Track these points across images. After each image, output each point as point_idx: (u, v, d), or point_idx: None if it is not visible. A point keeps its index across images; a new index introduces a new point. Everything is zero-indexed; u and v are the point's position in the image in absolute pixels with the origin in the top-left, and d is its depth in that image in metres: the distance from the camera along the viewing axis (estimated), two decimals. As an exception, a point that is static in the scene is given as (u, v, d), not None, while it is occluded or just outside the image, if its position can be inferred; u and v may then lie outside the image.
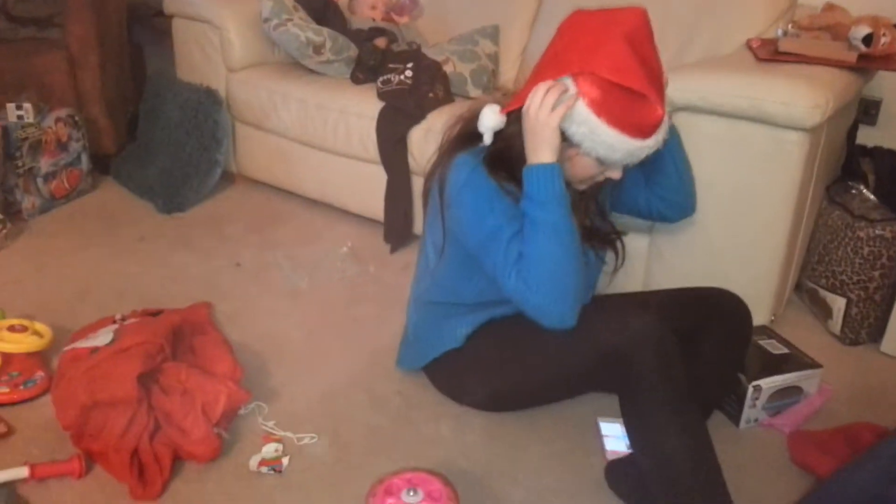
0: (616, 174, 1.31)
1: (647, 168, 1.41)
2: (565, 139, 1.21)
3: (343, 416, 1.49)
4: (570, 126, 1.19)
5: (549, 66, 1.22)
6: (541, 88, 1.19)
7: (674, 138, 1.38)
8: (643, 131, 1.20)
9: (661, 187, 1.44)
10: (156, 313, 1.66)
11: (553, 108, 1.18)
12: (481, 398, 1.48)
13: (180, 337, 1.54)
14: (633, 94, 1.17)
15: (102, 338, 1.49)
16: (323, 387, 1.57)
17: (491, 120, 1.26)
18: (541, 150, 1.21)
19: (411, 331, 1.56)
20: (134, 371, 1.35)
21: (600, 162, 1.25)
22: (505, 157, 1.28)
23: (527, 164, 1.23)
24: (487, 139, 1.28)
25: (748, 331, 1.45)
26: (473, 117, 1.32)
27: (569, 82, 1.18)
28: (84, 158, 2.45)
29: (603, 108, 1.17)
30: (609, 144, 1.20)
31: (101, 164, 2.58)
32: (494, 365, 1.40)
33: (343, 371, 1.63)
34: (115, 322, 1.62)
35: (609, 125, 1.17)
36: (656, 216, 1.50)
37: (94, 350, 1.44)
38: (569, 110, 1.17)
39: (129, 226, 2.28)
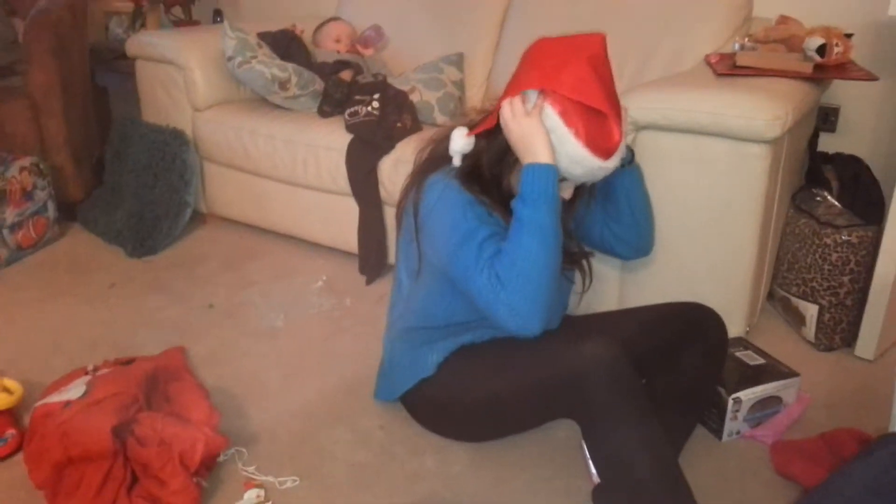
0: (567, 193, 1.32)
1: (605, 201, 1.43)
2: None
3: (325, 456, 1.46)
4: None
5: (514, 87, 1.26)
6: (507, 102, 1.23)
7: (632, 175, 1.41)
8: (604, 151, 1.22)
9: (615, 222, 1.46)
10: (128, 362, 1.63)
11: (527, 112, 1.21)
12: (456, 428, 1.48)
13: (155, 385, 1.52)
14: (595, 113, 1.20)
15: (75, 391, 1.45)
16: (303, 426, 1.55)
17: (460, 143, 1.29)
18: (537, 150, 1.22)
19: (386, 361, 1.55)
20: (108, 424, 1.32)
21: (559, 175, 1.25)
22: (475, 174, 1.30)
23: (525, 164, 1.24)
24: (457, 161, 1.31)
25: (724, 343, 1.46)
26: (443, 139, 1.35)
27: (532, 94, 1.22)
28: (50, 206, 2.42)
29: (570, 121, 1.19)
30: (573, 158, 1.22)
31: (69, 211, 2.55)
32: (464, 394, 1.39)
33: (323, 408, 1.61)
34: (87, 373, 1.58)
35: (576, 138, 1.19)
36: (609, 251, 1.51)
37: (67, 404, 1.40)
38: (541, 110, 1.20)
39: (99, 272, 2.25)
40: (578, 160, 1.22)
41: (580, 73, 1.18)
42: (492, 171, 1.30)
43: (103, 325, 1.95)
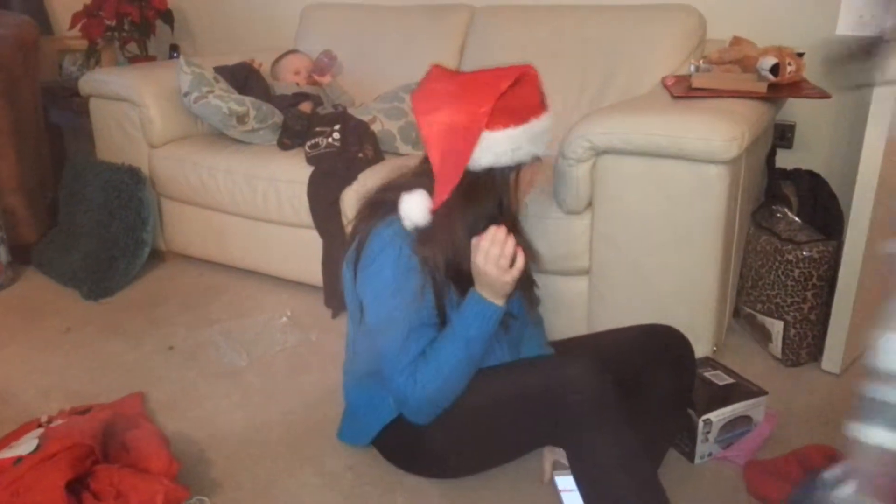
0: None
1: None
2: (515, 170, 1.26)
3: (292, 501, 1.41)
4: (517, 157, 1.22)
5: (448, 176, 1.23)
6: (484, 241, 1.21)
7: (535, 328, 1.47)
8: (543, 104, 1.25)
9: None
10: (84, 411, 1.57)
11: (497, 263, 1.20)
12: (434, 466, 1.44)
13: (111, 434, 1.46)
14: (514, 88, 1.20)
15: (26, 445, 1.39)
16: (269, 470, 1.50)
17: (418, 215, 1.24)
18: (497, 293, 1.24)
19: (348, 407, 1.52)
20: (62, 479, 1.26)
21: (537, 159, 1.28)
22: (434, 237, 1.25)
23: (478, 291, 1.24)
24: (408, 226, 1.25)
25: (693, 364, 1.45)
26: (401, 188, 1.28)
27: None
28: (2, 250, 2.34)
29: (517, 113, 1.20)
30: (536, 133, 1.23)
31: (22, 254, 2.48)
32: (440, 431, 1.35)
33: (290, 450, 1.56)
34: (40, 425, 1.52)
35: (530, 121, 1.21)
36: None
37: (18, 460, 1.34)
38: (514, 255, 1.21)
39: (54, 317, 2.18)
40: (541, 130, 1.24)
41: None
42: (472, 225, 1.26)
43: (58, 372, 1.88)
